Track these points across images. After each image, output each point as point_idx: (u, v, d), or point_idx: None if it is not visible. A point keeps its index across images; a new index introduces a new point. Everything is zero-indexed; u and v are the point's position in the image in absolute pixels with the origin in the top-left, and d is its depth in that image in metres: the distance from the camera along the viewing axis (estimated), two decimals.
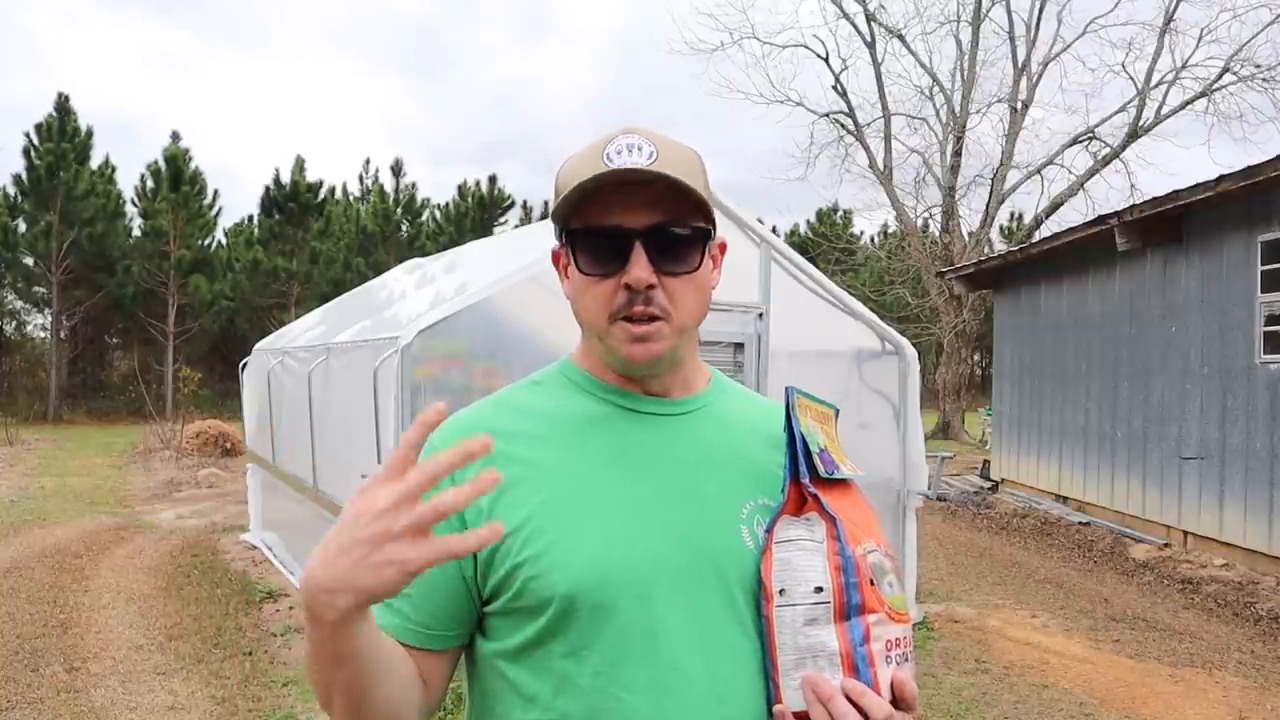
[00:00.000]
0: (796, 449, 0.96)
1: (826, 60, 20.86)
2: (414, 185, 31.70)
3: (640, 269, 0.97)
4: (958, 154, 20.33)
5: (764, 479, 1.03)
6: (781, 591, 0.92)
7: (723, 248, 1.10)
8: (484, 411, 1.09)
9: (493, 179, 30.98)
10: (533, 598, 0.96)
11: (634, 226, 0.98)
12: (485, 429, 1.02)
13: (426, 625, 1.01)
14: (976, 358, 28.50)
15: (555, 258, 1.07)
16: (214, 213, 27.34)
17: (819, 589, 0.90)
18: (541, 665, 0.97)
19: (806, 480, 0.95)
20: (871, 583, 0.90)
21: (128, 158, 62.39)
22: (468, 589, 1.01)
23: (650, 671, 0.94)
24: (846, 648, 0.88)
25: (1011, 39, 20.36)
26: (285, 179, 28.12)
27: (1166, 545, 8.17)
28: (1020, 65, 20.26)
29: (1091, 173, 19.54)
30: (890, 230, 27.59)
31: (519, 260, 5.09)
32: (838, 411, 1.08)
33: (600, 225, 0.99)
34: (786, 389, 1.01)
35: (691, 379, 1.11)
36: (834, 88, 20.89)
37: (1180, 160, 54.89)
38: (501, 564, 0.98)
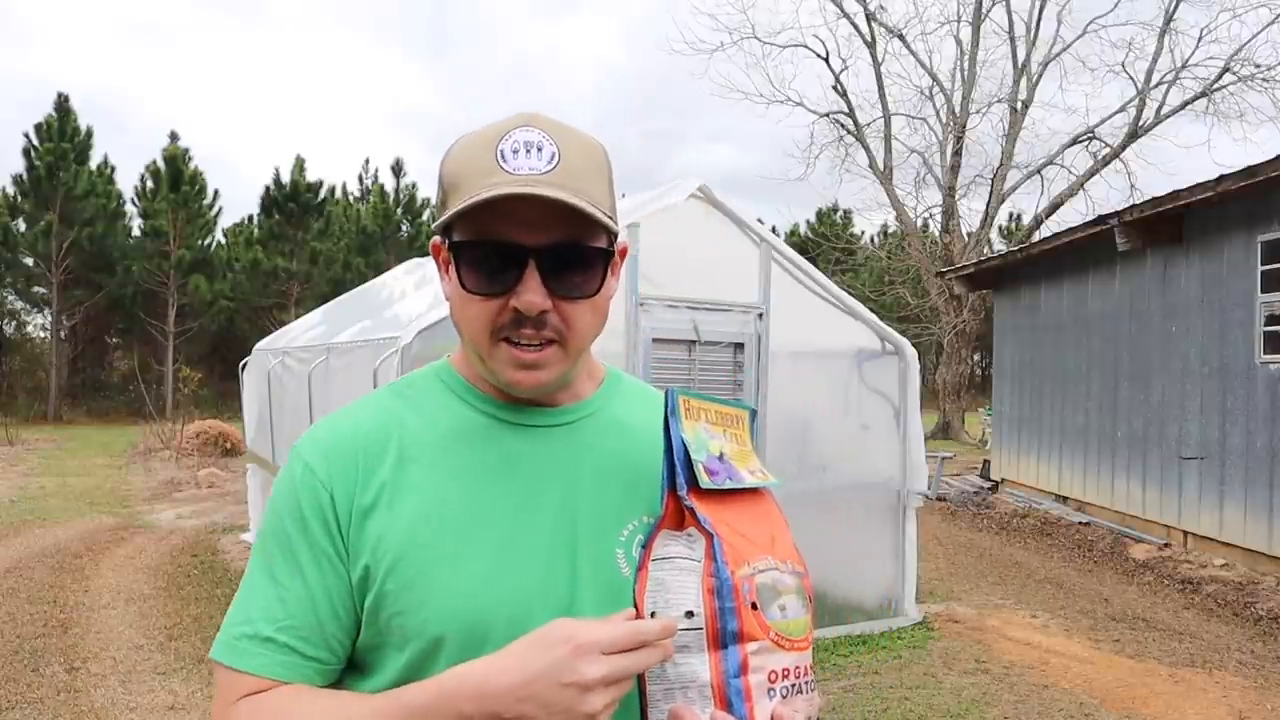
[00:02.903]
0: (675, 457, 0.86)
1: (826, 60, 20.88)
2: (414, 185, 31.77)
3: (533, 293, 0.86)
4: (958, 154, 20.34)
5: (656, 492, 0.91)
6: (653, 615, 0.84)
7: (623, 253, 0.98)
8: (352, 418, 0.97)
9: None
10: (397, 635, 0.88)
11: (528, 243, 0.86)
12: (358, 439, 0.94)
13: (322, 659, 0.90)
14: (976, 358, 28.51)
15: (435, 250, 0.95)
16: (214, 213, 27.40)
17: (690, 613, 0.81)
18: None
19: (683, 492, 0.85)
20: (754, 607, 0.81)
21: (126, 153, 62.51)
22: (355, 615, 0.91)
23: None
24: (719, 679, 0.80)
25: (1011, 39, 20.37)
26: (285, 179, 28.16)
27: (1166, 545, 8.17)
28: (1020, 65, 20.28)
29: (1091, 173, 19.55)
30: (890, 230, 27.63)
31: None
32: (753, 413, 0.97)
33: (489, 239, 0.87)
34: (667, 390, 0.89)
35: (579, 386, 1.00)
36: (834, 88, 20.91)
37: (1180, 160, 54.96)
38: (366, 595, 0.89)
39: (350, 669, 0.94)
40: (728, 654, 0.80)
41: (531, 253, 0.86)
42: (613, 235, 0.92)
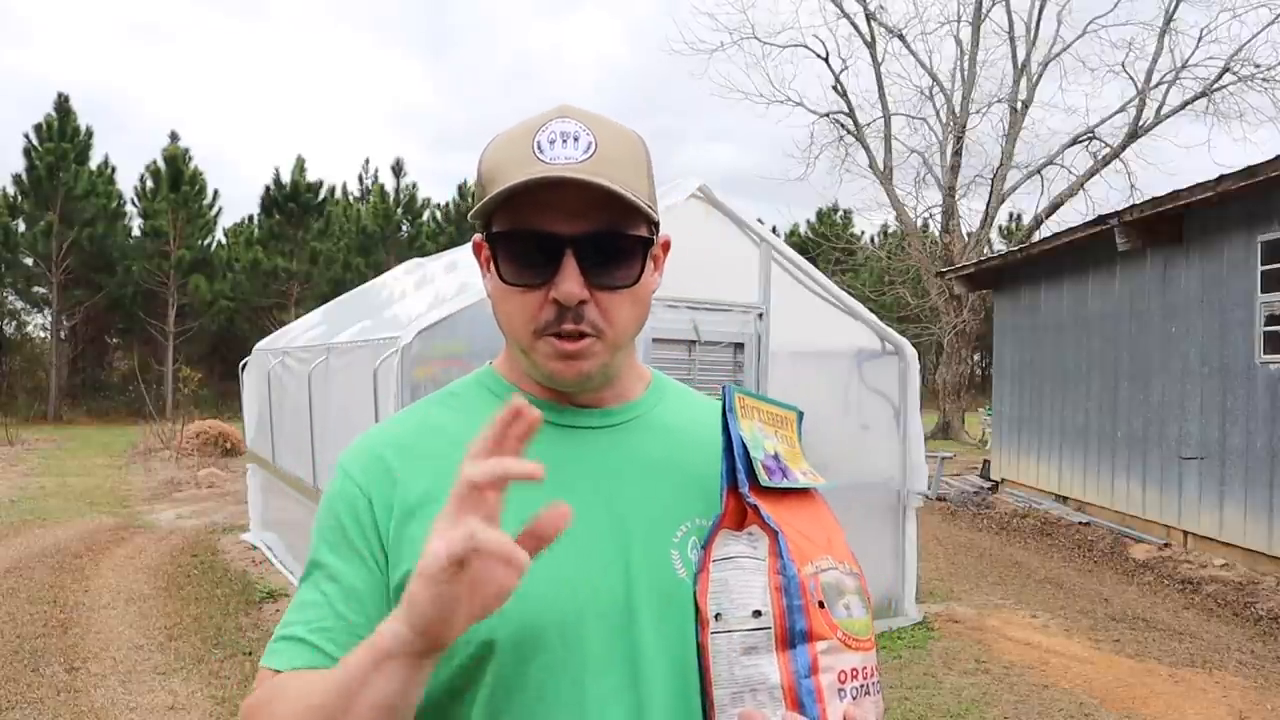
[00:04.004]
0: (734, 454, 0.85)
1: (826, 60, 20.88)
2: (414, 185, 31.78)
3: (571, 283, 0.85)
4: (958, 154, 20.34)
5: (706, 494, 0.91)
6: (717, 616, 0.82)
7: (666, 246, 0.98)
8: (394, 428, 0.98)
9: None
10: None
11: (565, 233, 0.85)
12: (397, 446, 0.94)
13: None
14: (976, 358, 28.51)
15: (477, 248, 0.94)
16: (214, 213, 27.41)
17: (757, 613, 0.79)
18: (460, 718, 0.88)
19: (745, 489, 0.84)
20: (821, 605, 0.79)
21: (126, 153, 62.55)
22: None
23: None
24: (789, 680, 0.77)
25: (1011, 39, 20.37)
26: (285, 179, 28.17)
27: (1166, 545, 8.17)
28: (1020, 65, 20.29)
29: (1091, 173, 19.56)
30: (890, 230, 27.63)
31: None
32: (801, 415, 0.96)
33: (527, 229, 0.86)
34: (724, 388, 0.89)
35: (627, 387, 0.99)
36: (834, 88, 20.91)
37: (1180, 160, 54.96)
38: None
39: None
40: (797, 654, 0.78)
41: (569, 242, 0.86)
42: (653, 225, 0.91)
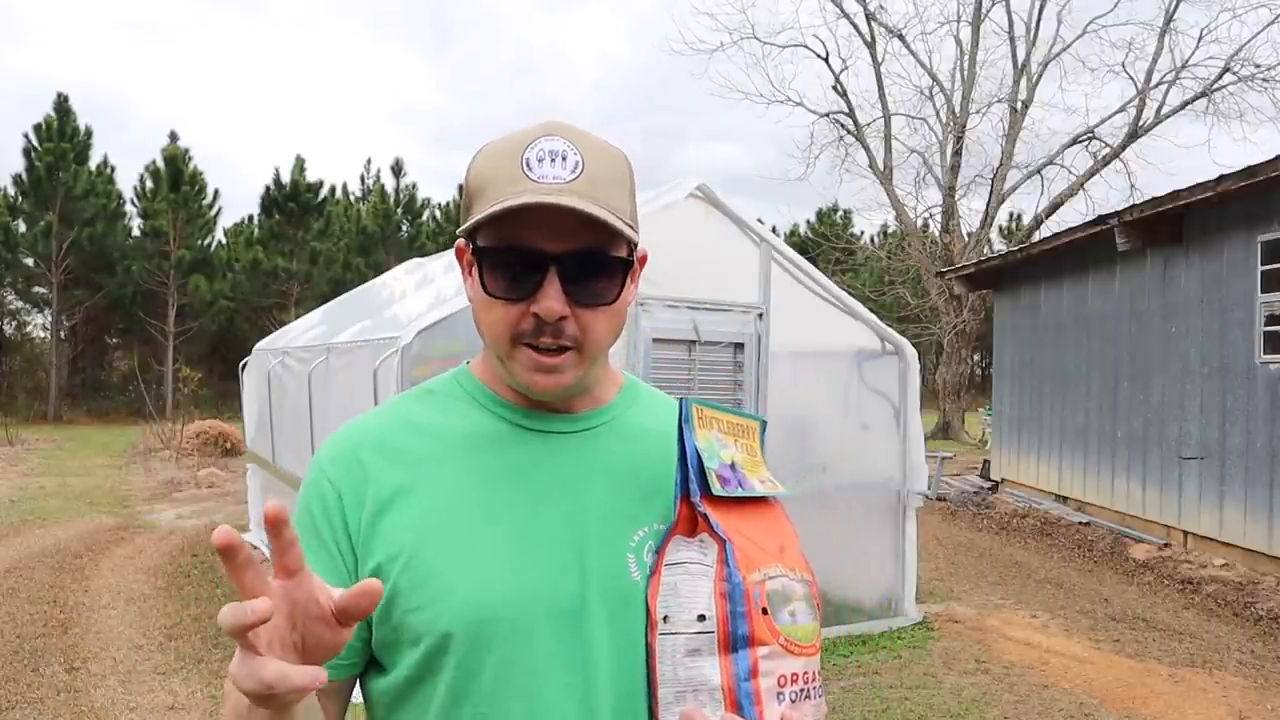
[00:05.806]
0: (688, 464, 0.89)
1: (826, 60, 20.88)
2: (414, 185, 31.77)
3: (553, 299, 0.88)
4: (958, 154, 20.34)
5: (667, 499, 0.93)
6: (665, 619, 0.86)
7: (643, 260, 1.00)
8: (371, 423, 1.01)
9: None
10: (409, 632, 0.90)
11: (550, 250, 0.88)
12: (372, 442, 0.97)
13: None
14: (976, 358, 28.51)
15: (459, 252, 0.97)
16: (214, 213, 27.39)
17: (702, 617, 0.83)
18: (420, 708, 0.92)
19: (697, 498, 0.87)
20: (765, 611, 0.82)
21: (126, 153, 62.54)
22: None
23: (525, 715, 0.89)
24: (729, 682, 0.81)
25: (1011, 39, 20.38)
26: (285, 179, 28.16)
27: (1166, 545, 8.17)
28: (1020, 65, 20.29)
29: (1091, 173, 19.56)
30: (890, 230, 27.61)
31: None
32: (764, 424, 1.00)
33: (512, 245, 0.89)
34: (681, 400, 0.92)
35: (599, 393, 1.02)
36: (834, 88, 20.91)
37: (1180, 160, 54.97)
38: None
39: (372, 667, 0.97)
40: (738, 657, 0.82)
41: (553, 260, 0.88)
42: (633, 244, 0.94)
